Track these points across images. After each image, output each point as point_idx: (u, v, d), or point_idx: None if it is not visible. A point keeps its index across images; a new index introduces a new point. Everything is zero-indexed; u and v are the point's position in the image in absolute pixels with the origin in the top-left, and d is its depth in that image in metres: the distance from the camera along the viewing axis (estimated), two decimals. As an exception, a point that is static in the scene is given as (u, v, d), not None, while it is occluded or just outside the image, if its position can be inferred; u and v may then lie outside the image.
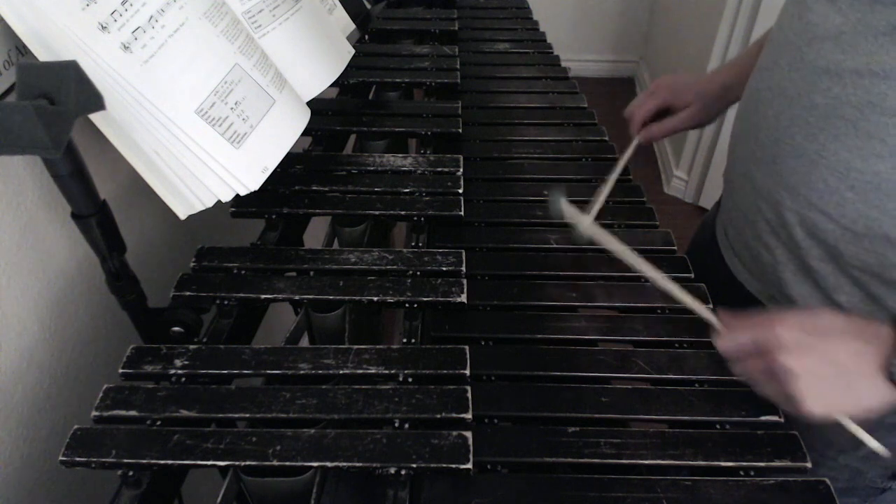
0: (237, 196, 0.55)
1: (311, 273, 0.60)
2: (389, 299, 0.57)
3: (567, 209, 0.60)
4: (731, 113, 0.76)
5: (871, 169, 0.53)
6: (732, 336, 0.51)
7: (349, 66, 0.75)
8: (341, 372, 0.51)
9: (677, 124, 0.81)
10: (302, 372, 0.51)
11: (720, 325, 0.52)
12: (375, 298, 0.57)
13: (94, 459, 0.44)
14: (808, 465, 0.48)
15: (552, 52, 1.05)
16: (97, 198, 0.48)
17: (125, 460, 0.44)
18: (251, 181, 0.55)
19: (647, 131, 0.82)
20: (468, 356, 0.52)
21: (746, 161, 0.66)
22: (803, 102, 0.57)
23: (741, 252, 0.71)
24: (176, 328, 0.55)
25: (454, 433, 0.46)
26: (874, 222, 0.55)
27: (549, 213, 0.57)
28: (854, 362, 0.48)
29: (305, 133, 0.64)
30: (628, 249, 0.57)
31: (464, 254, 0.62)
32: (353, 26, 0.82)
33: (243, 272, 0.60)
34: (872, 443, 0.51)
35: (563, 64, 1.01)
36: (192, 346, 0.52)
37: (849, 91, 0.53)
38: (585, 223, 0.59)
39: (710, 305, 0.58)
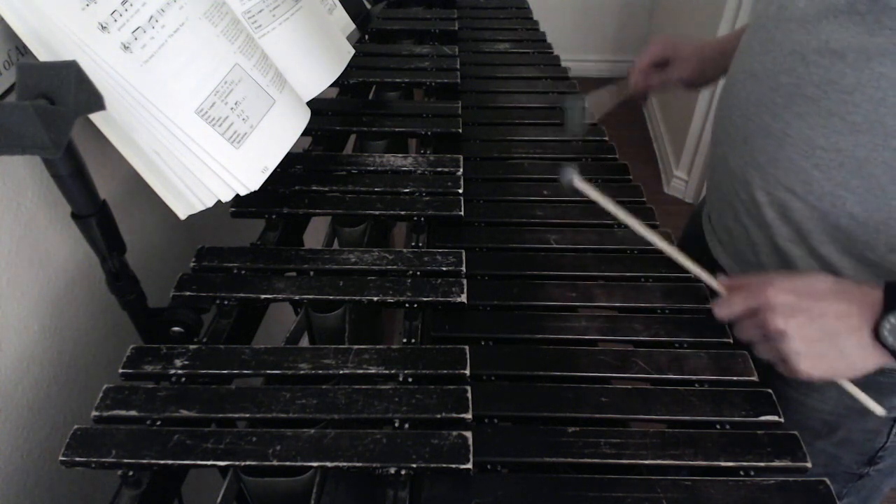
0: (237, 196, 0.55)
1: (311, 273, 0.60)
2: (389, 299, 0.57)
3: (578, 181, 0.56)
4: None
5: (833, 146, 0.54)
6: (728, 301, 0.52)
7: (349, 66, 0.75)
8: (341, 372, 0.51)
9: (672, 74, 0.84)
10: (302, 372, 0.51)
11: (721, 289, 0.53)
12: (375, 298, 0.57)
13: (94, 459, 0.44)
14: (809, 465, 0.48)
15: (552, 52, 1.05)
16: (97, 198, 0.48)
17: (125, 460, 0.44)
18: (251, 181, 0.55)
19: (645, 79, 0.85)
20: (468, 356, 0.52)
21: (722, 143, 0.68)
22: (771, 83, 0.58)
23: (722, 236, 0.73)
24: (176, 328, 0.55)
25: (454, 433, 0.46)
26: (838, 199, 0.56)
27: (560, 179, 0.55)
28: (843, 323, 0.49)
29: (305, 133, 0.64)
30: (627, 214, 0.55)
31: (464, 254, 0.62)
32: (353, 26, 0.82)
33: (243, 272, 0.60)
34: (870, 403, 0.53)
35: (563, 64, 1.02)
36: (192, 346, 0.52)
37: (811, 70, 0.54)
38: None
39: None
